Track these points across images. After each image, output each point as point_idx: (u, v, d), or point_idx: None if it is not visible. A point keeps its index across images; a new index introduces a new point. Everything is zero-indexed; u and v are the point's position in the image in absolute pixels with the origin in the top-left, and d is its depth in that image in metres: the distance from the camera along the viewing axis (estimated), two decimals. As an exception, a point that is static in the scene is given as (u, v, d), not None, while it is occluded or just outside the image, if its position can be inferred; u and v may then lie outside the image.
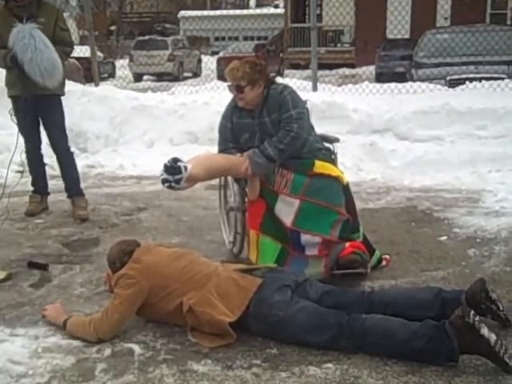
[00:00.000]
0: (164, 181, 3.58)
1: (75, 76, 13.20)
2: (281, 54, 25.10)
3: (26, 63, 4.72)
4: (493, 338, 2.65)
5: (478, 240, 4.49)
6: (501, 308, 3.03)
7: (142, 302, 3.11)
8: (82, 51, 14.00)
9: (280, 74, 19.84)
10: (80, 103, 8.34)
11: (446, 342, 2.69)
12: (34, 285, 3.87)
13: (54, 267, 4.13)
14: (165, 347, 3.02)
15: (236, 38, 30.66)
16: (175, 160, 3.58)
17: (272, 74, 4.04)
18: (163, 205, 5.70)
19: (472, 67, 10.20)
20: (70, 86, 6.56)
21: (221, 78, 13.46)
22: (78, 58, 15.46)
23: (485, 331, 2.64)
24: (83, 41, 22.77)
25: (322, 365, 2.80)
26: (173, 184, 3.57)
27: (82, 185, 5.51)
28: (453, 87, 8.86)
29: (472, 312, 2.68)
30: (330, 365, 2.80)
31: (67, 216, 5.33)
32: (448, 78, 10.30)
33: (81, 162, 6.54)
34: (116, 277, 3.14)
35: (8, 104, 5.16)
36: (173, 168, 3.55)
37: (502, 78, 8.75)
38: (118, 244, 3.39)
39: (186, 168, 3.55)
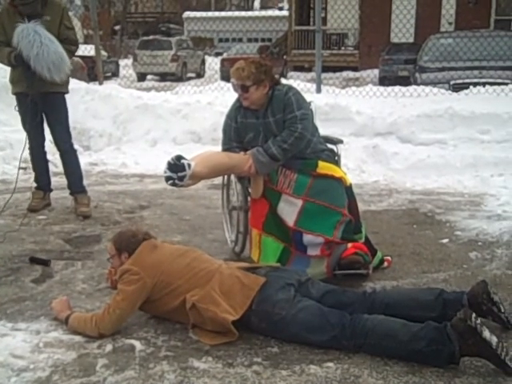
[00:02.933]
0: (167, 178, 3.58)
1: (79, 74, 13.23)
2: (284, 56, 25.11)
3: (33, 59, 4.71)
4: (494, 340, 2.65)
5: (479, 243, 4.49)
6: (502, 310, 3.03)
7: (145, 299, 3.11)
8: (86, 50, 14.02)
9: (283, 75, 19.82)
10: (84, 101, 8.37)
11: (448, 345, 2.69)
12: (36, 280, 3.88)
13: (55, 263, 4.13)
14: (166, 344, 3.02)
15: (240, 40, 30.84)
16: (179, 157, 3.58)
17: (276, 76, 4.04)
18: (165, 203, 5.71)
19: (476, 72, 10.20)
20: (73, 84, 6.61)
21: (224, 78, 13.47)
22: (82, 57, 15.51)
23: (486, 334, 2.64)
24: (87, 40, 22.82)
25: (322, 364, 2.81)
26: (176, 181, 3.56)
27: (85, 182, 5.52)
28: (456, 91, 8.88)
29: (474, 315, 2.68)
30: (330, 364, 2.80)
31: (69, 213, 5.34)
32: (452, 82, 10.30)
33: (84, 160, 6.55)
34: (120, 272, 3.14)
35: (11, 101, 5.17)
36: (176, 165, 3.55)
37: (506, 84, 8.75)
38: (133, 229, 3.42)
39: (189, 165, 3.56)
